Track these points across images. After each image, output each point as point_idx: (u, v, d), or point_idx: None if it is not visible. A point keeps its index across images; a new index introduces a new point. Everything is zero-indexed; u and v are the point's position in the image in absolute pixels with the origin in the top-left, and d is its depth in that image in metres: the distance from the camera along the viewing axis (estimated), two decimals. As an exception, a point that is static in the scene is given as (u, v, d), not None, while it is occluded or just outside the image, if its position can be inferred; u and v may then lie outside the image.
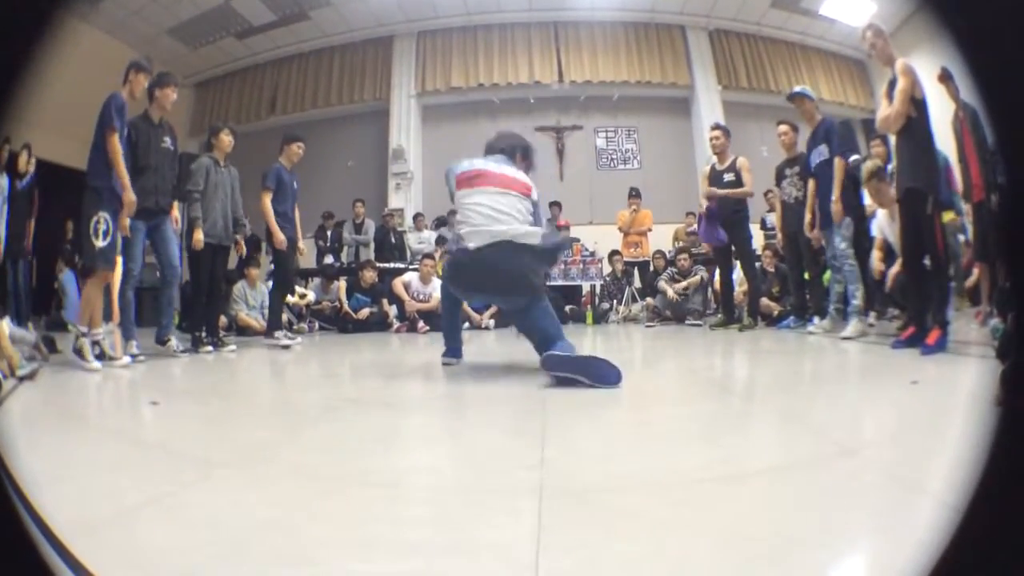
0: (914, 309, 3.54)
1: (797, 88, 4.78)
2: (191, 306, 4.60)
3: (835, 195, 4.37)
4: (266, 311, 6.39)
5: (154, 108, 4.02)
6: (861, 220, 4.64)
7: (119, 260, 3.80)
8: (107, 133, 3.44)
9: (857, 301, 4.36)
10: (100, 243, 3.42)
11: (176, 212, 4.22)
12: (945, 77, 4.04)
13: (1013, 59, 0.63)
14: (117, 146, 3.44)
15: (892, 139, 3.64)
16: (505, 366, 3.51)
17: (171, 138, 4.16)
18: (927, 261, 3.36)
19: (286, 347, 4.86)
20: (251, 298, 6.34)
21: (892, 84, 3.41)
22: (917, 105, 3.29)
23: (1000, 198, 2.71)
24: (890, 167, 4.19)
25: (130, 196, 3.52)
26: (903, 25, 8.11)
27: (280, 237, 4.89)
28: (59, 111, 3.35)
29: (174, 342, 4.09)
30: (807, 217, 4.77)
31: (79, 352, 3.32)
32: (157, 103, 4.01)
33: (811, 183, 4.71)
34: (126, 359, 3.54)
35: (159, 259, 4.16)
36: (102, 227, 3.42)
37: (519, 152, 3.26)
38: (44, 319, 6.53)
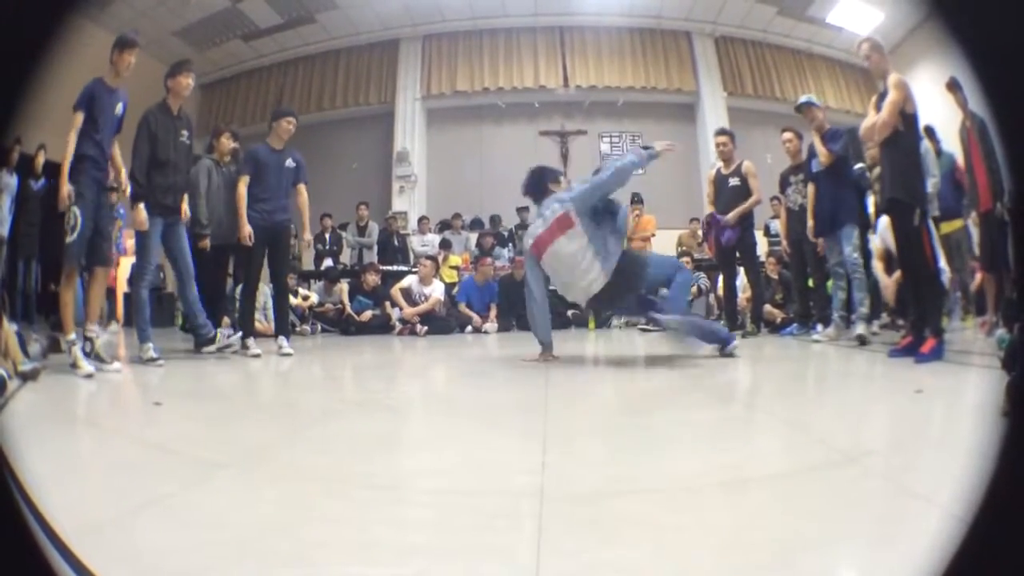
0: (912, 318, 3.53)
1: (803, 98, 4.78)
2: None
3: (816, 143, 4.49)
4: (269, 311, 6.40)
5: (171, 98, 3.85)
6: (866, 229, 4.63)
7: (127, 258, 3.72)
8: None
9: (864, 309, 4.37)
10: (68, 238, 3.30)
11: (185, 206, 4.00)
12: (953, 86, 4.04)
13: (1022, 69, 0.63)
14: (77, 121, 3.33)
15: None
16: (507, 370, 3.50)
17: (188, 131, 3.95)
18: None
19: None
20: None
21: (882, 96, 3.43)
22: (907, 119, 3.32)
23: (1008, 208, 2.71)
24: None
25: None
26: (909, 35, 8.14)
27: (245, 231, 4.33)
28: (67, 111, 3.34)
29: (221, 337, 3.97)
30: (809, 223, 4.76)
31: (73, 364, 3.11)
32: (173, 92, 3.84)
33: (810, 188, 4.70)
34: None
35: (173, 259, 3.95)
36: (70, 222, 3.30)
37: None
38: (50, 319, 6.54)
